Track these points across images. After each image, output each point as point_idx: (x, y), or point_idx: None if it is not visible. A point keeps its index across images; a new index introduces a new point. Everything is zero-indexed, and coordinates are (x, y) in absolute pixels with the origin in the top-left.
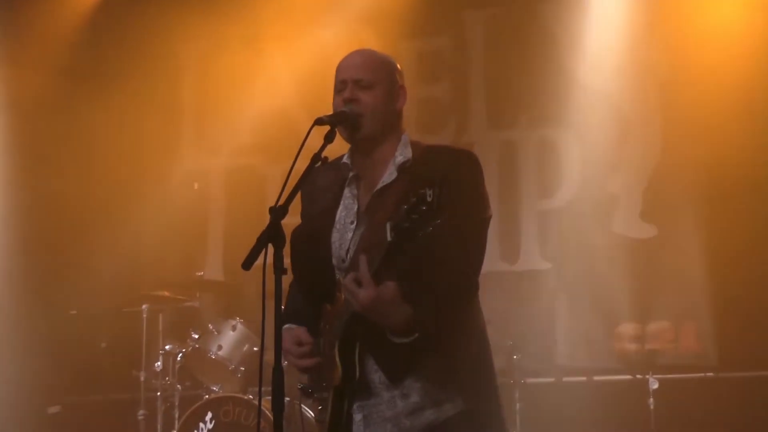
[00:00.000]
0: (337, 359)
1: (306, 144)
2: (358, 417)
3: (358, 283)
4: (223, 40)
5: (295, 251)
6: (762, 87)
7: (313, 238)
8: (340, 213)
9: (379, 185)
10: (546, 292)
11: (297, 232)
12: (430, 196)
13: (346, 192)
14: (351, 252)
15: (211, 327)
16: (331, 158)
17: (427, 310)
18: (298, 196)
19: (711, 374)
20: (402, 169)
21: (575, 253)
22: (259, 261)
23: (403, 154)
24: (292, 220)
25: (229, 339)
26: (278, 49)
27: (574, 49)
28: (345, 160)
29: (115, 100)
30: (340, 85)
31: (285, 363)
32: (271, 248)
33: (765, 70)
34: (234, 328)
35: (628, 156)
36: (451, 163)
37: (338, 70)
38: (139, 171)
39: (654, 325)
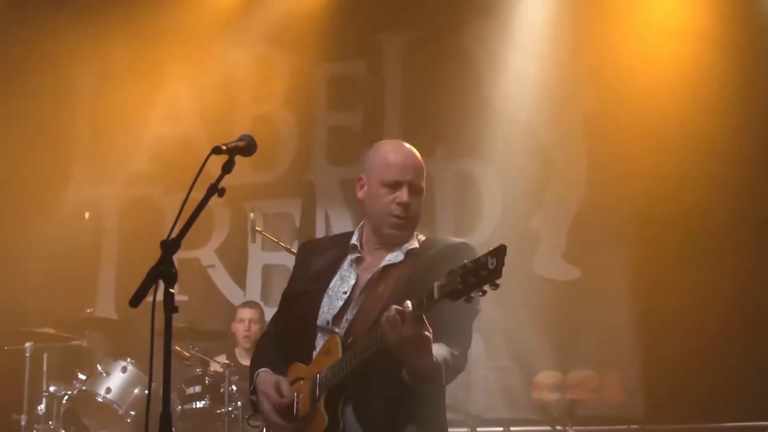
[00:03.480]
0: (323, 408)
1: (207, 173)
2: None
3: (402, 317)
4: (121, 62)
5: (283, 308)
6: (690, 120)
7: (303, 298)
8: (335, 282)
9: (385, 262)
10: None
11: (288, 291)
12: (493, 263)
13: (345, 265)
14: (349, 315)
15: (99, 368)
16: (225, 185)
17: (448, 367)
18: None
19: (636, 427)
20: (409, 253)
21: (493, 295)
22: (150, 298)
23: (410, 243)
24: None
25: (118, 381)
26: (180, 72)
27: (496, 77)
28: (354, 241)
29: None
30: (394, 183)
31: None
32: (162, 284)
33: (693, 102)
34: (124, 370)
35: (552, 191)
36: (454, 249)
37: (394, 165)
38: (25, 199)
39: (576, 374)
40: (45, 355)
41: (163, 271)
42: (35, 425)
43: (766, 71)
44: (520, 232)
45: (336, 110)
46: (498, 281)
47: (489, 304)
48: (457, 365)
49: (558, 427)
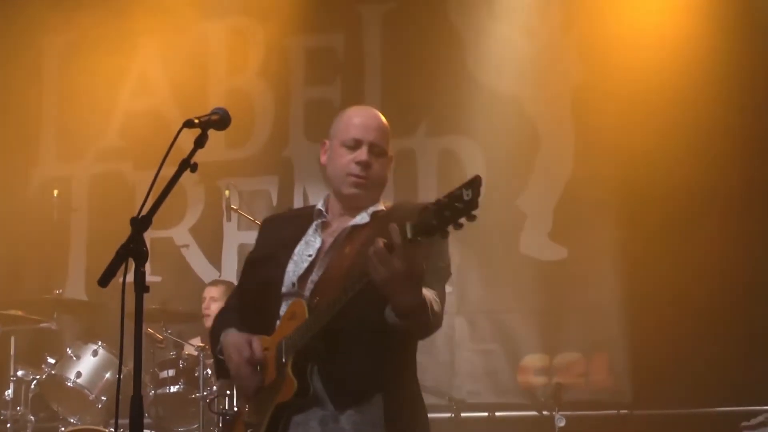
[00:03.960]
0: (291, 372)
1: (178, 148)
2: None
3: (390, 248)
4: (90, 33)
5: (245, 277)
6: (680, 94)
7: (268, 264)
8: (300, 247)
9: (350, 224)
10: (445, 319)
11: (251, 256)
12: (468, 195)
13: (310, 230)
14: (314, 276)
15: (69, 351)
16: (199, 162)
17: (430, 307)
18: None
19: (624, 411)
20: (375, 215)
21: (477, 276)
22: (120, 277)
23: (376, 207)
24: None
25: (89, 365)
26: (151, 44)
27: (480, 49)
28: (320, 206)
29: None
30: (352, 142)
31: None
32: (132, 263)
33: (682, 76)
34: (95, 353)
35: (538, 169)
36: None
37: (352, 124)
38: None
39: (562, 357)
40: (12, 339)
41: (134, 249)
42: (2, 411)
43: (759, 44)
44: (506, 211)
45: (314, 84)
46: (475, 212)
47: (474, 285)
48: (437, 317)
49: (545, 412)
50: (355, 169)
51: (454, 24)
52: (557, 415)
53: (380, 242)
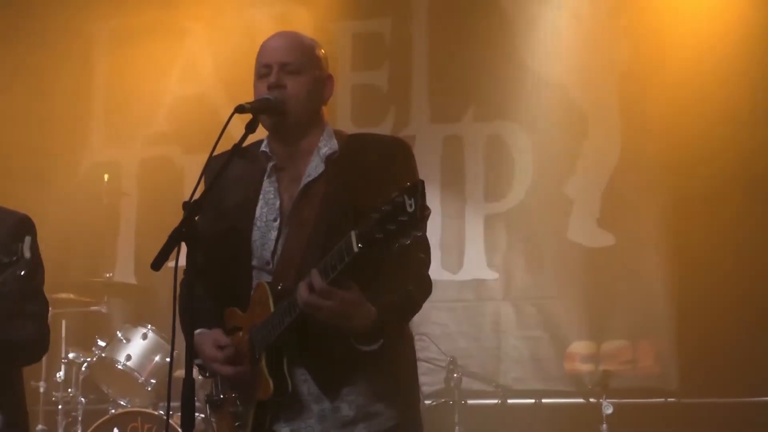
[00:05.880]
0: (266, 371)
1: (228, 133)
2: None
3: (310, 289)
4: (139, 20)
5: (207, 248)
6: (729, 79)
7: (229, 236)
8: (261, 209)
9: (305, 179)
10: (491, 305)
11: (206, 226)
12: (411, 206)
13: (266, 184)
14: (278, 254)
15: (119, 334)
16: None
17: (393, 313)
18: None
19: (672, 399)
20: (329, 161)
21: (525, 263)
22: (172, 261)
23: (328, 145)
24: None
25: (139, 348)
26: (200, 30)
27: (529, 35)
28: (263, 148)
29: (15, 82)
30: (264, 70)
31: (199, 376)
32: (184, 247)
33: (731, 63)
34: (145, 336)
35: (585, 155)
36: (386, 156)
37: (261, 52)
38: (42, 161)
39: (609, 344)
40: (63, 321)
41: (186, 233)
42: (54, 392)
43: None
44: (553, 197)
45: (361, 69)
46: (418, 233)
47: (520, 272)
48: (414, 296)
49: (591, 399)
50: (264, 93)
51: (502, 8)
52: (604, 403)
53: (303, 287)
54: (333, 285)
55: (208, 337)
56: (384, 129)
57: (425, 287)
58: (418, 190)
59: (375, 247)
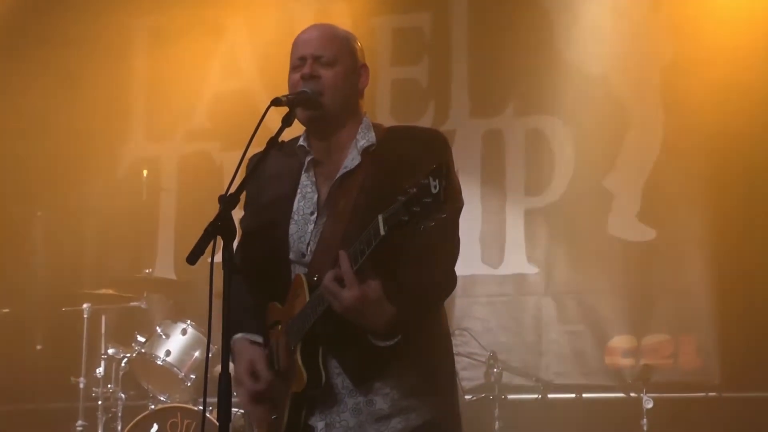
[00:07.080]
0: (301, 364)
1: (267, 128)
2: (319, 425)
3: (340, 281)
4: (179, 15)
5: (247, 244)
6: None
7: (268, 231)
8: (298, 203)
9: (341, 171)
10: (532, 300)
11: (247, 223)
12: (435, 187)
13: (304, 179)
14: (312, 246)
15: (159, 330)
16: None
17: (412, 310)
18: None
19: (713, 394)
20: (366, 153)
21: (565, 257)
22: (209, 256)
23: (365, 137)
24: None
25: (178, 343)
26: (239, 25)
27: (569, 29)
28: (301, 143)
29: (56, 80)
30: (298, 62)
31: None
32: (220, 241)
33: None
34: (184, 332)
35: (626, 149)
36: (422, 146)
37: (295, 45)
38: (82, 157)
39: (650, 339)
40: (103, 317)
41: (222, 227)
42: (94, 388)
43: None
44: (594, 191)
45: (400, 64)
46: (443, 214)
47: (561, 266)
48: (435, 291)
49: (632, 394)
50: (300, 86)
51: (542, 2)
52: (645, 397)
53: (330, 276)
54: (360, 273)
55: (245, 354)
56: (423, 124)
57: (449, 283)
58: (442, 172)
59: (401, 230)
